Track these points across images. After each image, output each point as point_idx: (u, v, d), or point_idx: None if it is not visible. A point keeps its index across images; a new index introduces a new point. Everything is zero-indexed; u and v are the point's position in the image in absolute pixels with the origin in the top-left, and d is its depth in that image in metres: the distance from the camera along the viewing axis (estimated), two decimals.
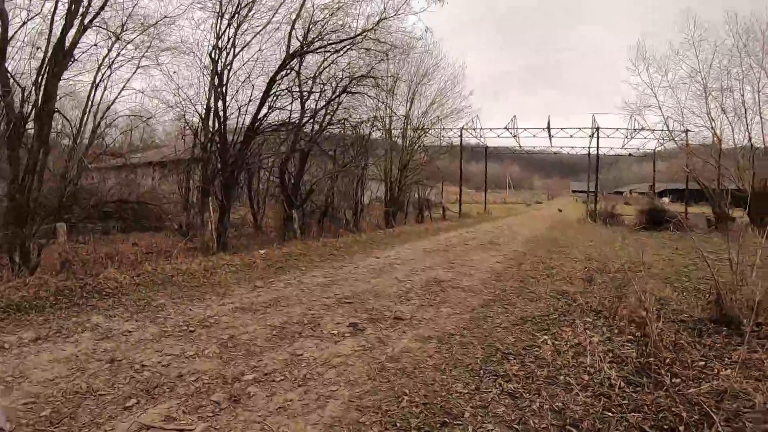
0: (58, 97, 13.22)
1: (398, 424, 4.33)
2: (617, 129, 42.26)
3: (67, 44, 12.90)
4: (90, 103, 17.73)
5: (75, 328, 7.04)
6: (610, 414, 4.37)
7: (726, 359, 5.49)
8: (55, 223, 11.42)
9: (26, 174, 11.70)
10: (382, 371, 5.54)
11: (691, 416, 4.16)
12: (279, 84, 18.21)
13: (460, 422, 4.36)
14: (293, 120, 19.33)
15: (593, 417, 4.33)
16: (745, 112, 25.72)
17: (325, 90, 19.82)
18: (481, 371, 5.52)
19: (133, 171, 24.12)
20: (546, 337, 6.67)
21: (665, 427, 4.07)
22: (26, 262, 11.32)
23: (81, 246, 14.47)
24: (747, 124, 25.61)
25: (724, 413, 4.11)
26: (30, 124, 12.46)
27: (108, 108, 20.21)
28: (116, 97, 18.76)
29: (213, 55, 17.62)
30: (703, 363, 5.40)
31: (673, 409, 4.30)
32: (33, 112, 12.32)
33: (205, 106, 18.25)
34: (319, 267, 12.42)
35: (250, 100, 17.98)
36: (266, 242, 17.65)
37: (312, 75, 19.48)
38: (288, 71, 18.45)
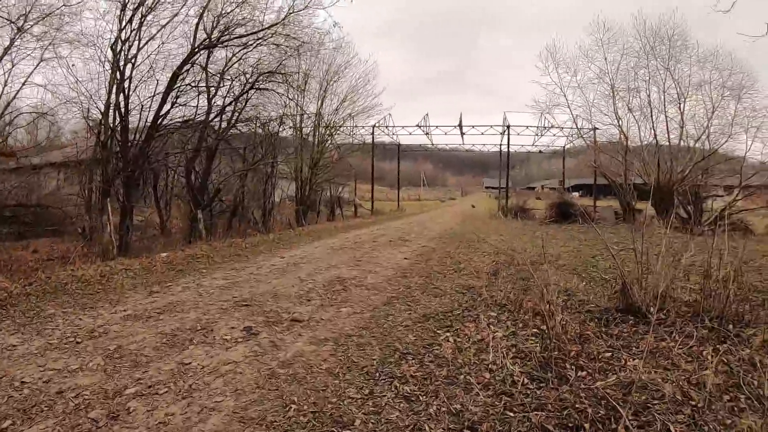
0: None
1: None
2: (527, 127, 43.33)
3: None
4: None
5: None
6: (511, 414, 4.26)
7: (633, 349, 5.54)
8: None
9: None
10: (271, 378, 5.38)
11: (597, 412, 4.07)
12: (183, 79, 17.70)
13: (349, 430, 4.23)
14: (199, 117, 18.84)
15: (493, 418, 4.21)
16: (651, 111, 27.12)
17: (233, 86, 19.46)
18: (377, 374, 5.40)
19: (34, 173, 22.88)
20: (448, 334, 6.60)
21: (570, 425, 3.97)
22: None
23: None
24: (653, 123, 26.96)
25: (631, 406, 4.08)
26: None
27: (8, 104, 19.23)
28: (17, 92, 17.86)
29: (115, 48, 16.90)
30: (609, 354, 5.41)
31: (577, 405, 4.21)
32: None
33: (104, 102, 17.55)
34: (221, 269, 12.10)
35: (153, 96, 17.38)
36: (171, 244, 17.09)
37: (220, 71, 19.06)
38: (193, 66, 17.97)
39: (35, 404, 4.97)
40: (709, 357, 5.03)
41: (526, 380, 4.90)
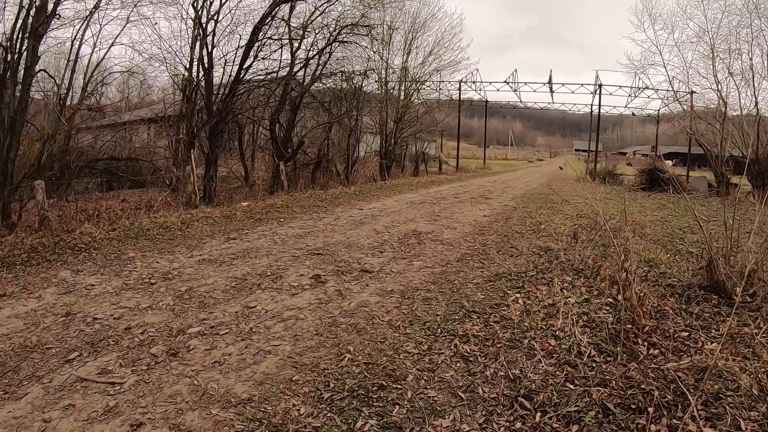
0: (43, 55, 12.97)
1: (332, 385, 4.10)
2: (620, 87, 41.48)
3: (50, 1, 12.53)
4: (77, 60, 17.46)
5: (41, 284, 6.92)
6: (571, 386, 3.92)
7: (713, 331, 4.98)
8: (34, 181, 11.19)
9: (4, 133, 11.49)
10: (331, 326, 5.32)
11: (664, 396, 3.64)
12: (265, 33, 17.69)
13: (399, 386, 4.08)
14: (283, 70, 18.89)
15: (552, 389, 3.89)
16: (753, 77, 24.64)
17: (316, 39, 19.37)
18: (439, 330, 5.22)
19: (125, 128, 23.75)
20: (518, 295, 6.25)
21: (632, 406, 3.60)
22: (6, 221, 11.19)
23: (66, 204, 14.29)
24: (755, 89, 24.65)
25: (702, 394, 3.63)
26: (16, 81, 12.17)
27: (97, 65, 19.95)
28: (105, 54, 18.42)
29: (196, 5, 17.08)
30: (686, 334, 4.86)
31: (644, 385, 3.79)
32: (16, 70, 12.03)
33: (188, 58, 17.90)
34: (299, 218, 12.19)
35: (236, 50, 17.52)
36: (253, 195, 17.44)
37: (302, 24, 18.97)
38: (274, 20, 17.90)
39: (103, 339, 5.13)
40: None
41: (593, 352, 4.51)
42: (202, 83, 16.91)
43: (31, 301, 6.25)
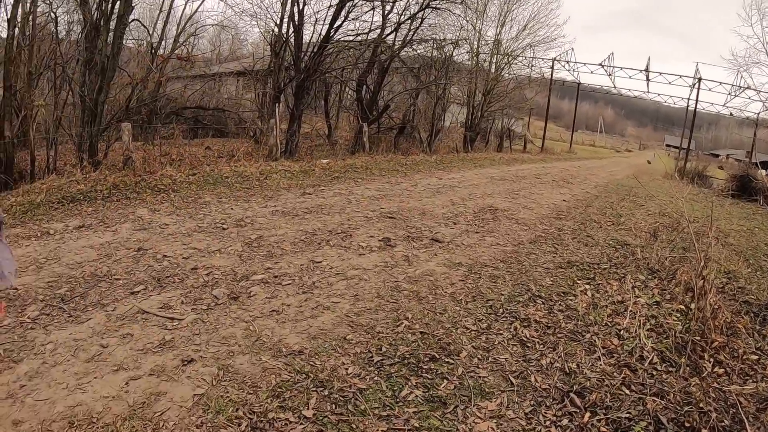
0: (138, 5, 13.29)
1: (383, 349, 4.06)
2: (720, 83, 39.20)
3: None
4: (171, 11, 17.79)
5: (118, 219, 7.20)
6: (627, 391, 3.73)
7: None
8: (121, 123, 11.62)
9: (96, 77, 11.88)
10: (394, 291, 5.26)
11: (721, 420, 3.38)
12: None
13: (451, 361, 3.99)
14: (373, 33, 18.72)
15: (606, 390, 3.72)
16: None
17: (409, 4, 19.04)
18: (501, 310, 5.07)
19: (215, 80, 24.27)
20: (587, 286, 5.98)
21: (686, 424, 3.37)
22: (92, 158, 11.62)
23: (151, 148, 14.74)
24: None
25: (762, 426, 3.38)
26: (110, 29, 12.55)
27: (190, 17, 20.34)
28: (198, 6, 18.74)
29: None
30: (756, 357, 4.44)
31: (702, 404, 3.54)
32: (110, 17, 12.37)
33: (279, 14, 17.93)
34: (377, 181, 12.17)
35: (327, 9, 17.46)
36: (334, 154, 17.53)
37: None
38: None
39: (169, 276, 5.28)
40: None
41: (655, 359, 4.25)
42: (292, 40, 16.94)
43: (107, 234, 6.48)
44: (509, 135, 34.64)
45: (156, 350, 3.85)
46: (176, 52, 20.09)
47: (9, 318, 4.22)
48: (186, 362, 3.70)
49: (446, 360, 3.99)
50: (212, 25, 22.36)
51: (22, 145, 11.51)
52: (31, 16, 12.46)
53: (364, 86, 20.17)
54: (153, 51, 18.29)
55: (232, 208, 8.08)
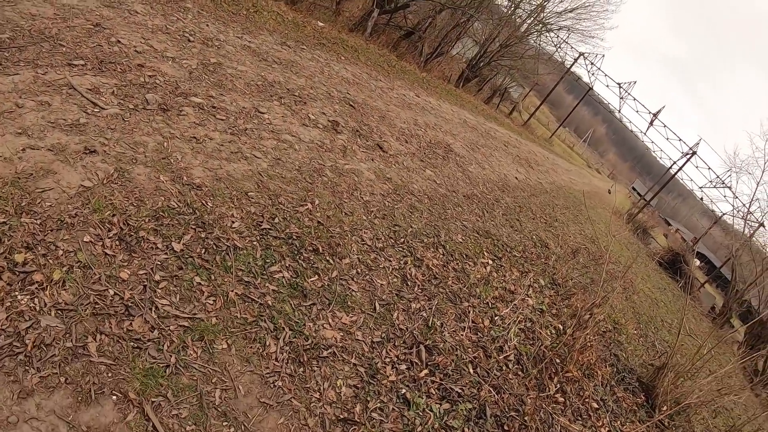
0: None
1: (276, 220, 4.03)
2: (709, 168, 40.06)
3: None
4: None
5: None
6: (471, 370, 3.98)
7: (619, 422, 4.72)
8: None
9: None
10: (315, 173, 5.12)
11: None
12: None
13: (331, 261, 4.05)
14: None
15: (454, 359, 3.94)
16: None
17: None
18: (402, 240, 5.13)
19: None
20: (491, 261, 6.07)
21: (505, 427, 3.57)
22: None
23: None
24: None
25: None
26: None
27: None
28: None
29: None
30: (596, 406, 4.62)
31: (527, 418, 3.71)
32: None
33: None
34: (358, 67, 11.76)
35: None
36: (334, 20, 16.84)
37: None
38: None
39: (113, 62, 5.06)
40: None
41: (512, 356, 4.43)
42: None
43: None
44: (503, 94, 34.33)
45: (66, 129, 3.69)
46: None
47: None
48: (88, 151, 3.57)
49: (327, 258, 3.99)
50: None
51: None
52: None
53: None
54: None
55: (207, 24, 7.64)
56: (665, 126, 43.12)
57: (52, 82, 4.14)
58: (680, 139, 42.22)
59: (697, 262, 53.79)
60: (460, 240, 6.09)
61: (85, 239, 2.93)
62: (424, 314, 4.12)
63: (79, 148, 3.54)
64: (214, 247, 3.39)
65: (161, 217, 3.35)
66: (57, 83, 4.16)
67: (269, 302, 3.27)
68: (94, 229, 3.01)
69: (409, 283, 4.43)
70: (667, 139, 43.96)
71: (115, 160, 3.61)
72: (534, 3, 27.67)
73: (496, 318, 4.84)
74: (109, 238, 3.01)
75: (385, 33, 19.91)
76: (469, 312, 4.60)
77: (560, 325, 5.57)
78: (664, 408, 5.25)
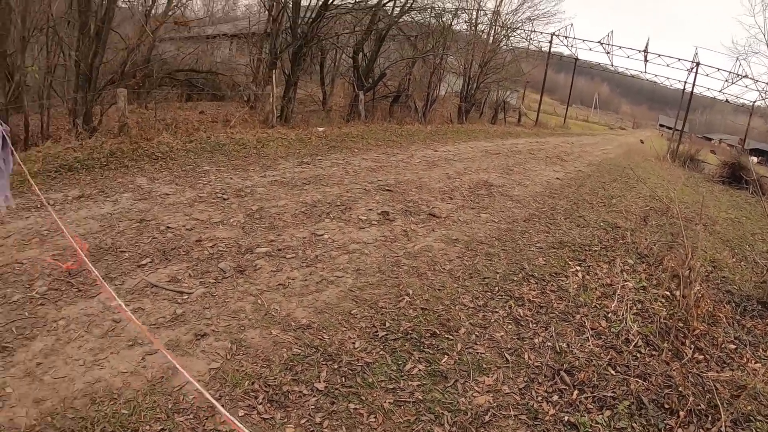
0: None
1: (387, 324, 4.22)
2: (718, 69, 38.92)
3: None
4: None
5: (117, 188, 7.21)
6: (612, 372, 3.93)
7: (761, 350, 4.74)
8: (116, 88, 11.60)
9: (91, 41, 11.82)
10: (394, 266, 5.41)
11: (698, 404, 3.60)
12: None
13: (450, 337, 4.17)
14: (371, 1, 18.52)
15: (593, 370, 3.91)
16: None
17: None
18: (496, 288, 5.25)
19: (207, 42, 23.98)
20: (578, 268, 6.16)
21: (666, 405, 3.59)
22: (87, 125, 11.60)
23: (148, 112, 14.67)
24: None
25: (734, 412, 3.56)
26: None
27: None
28: None
29: None
30: (733, 347, 4.66)
31: (681, 388, 3.75)
32: None
33: None
34: (373, 151, 12.24)
35: None
36: (328, 121, 17.48)
37: None
38: None
39: (174, 248, 5.38)
40: None
41: (640, 342, 4.45)
42: (290, 4, 16.79)
43: (107, 205, 6.52)
44: (504, 107, 34.55)
45: (169, 324, 3.97)
46: (171, 14, 19.85)
47: (17, 294, 4.30)
48: (199, 336, 3.82)
49: (446, 336, 4.15)
50: None
51: (15, 111, 11.44)
52: None
53: (361, 53, 20.05)
54: (147, 13, 18.05)
55: (231, 178, 8.15)
56: (659, 55, 42.68)
57: (134, 289, 4.46)
58: (679, 59, 41.70)
59: (755, 159, 51.76)
60: (543, 262, 6.22)
61: (240, 414, 3.14)
62: (549, 343, 4.24)
63: (190, 337, 3.81)
64: (350, 372, 3.59)
65: (293, 366, 3.57)
66: (138, 287, 4.48)
67: (419, 397, 3.44)
68: (243, 401, 3.23)
69: (522, 323, 4.57)
70: (668, 65, 43.32)
71: (226, 334, 3.87)
72: (488, 13, 28.27)
73: (609, 315, 4.93)
74: (259, 404, 3.22)
75: (377, 108, 20.47)
76: (585, 322, 4.71)
77: (667, 292, 5.63)
78: None
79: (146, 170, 8.19)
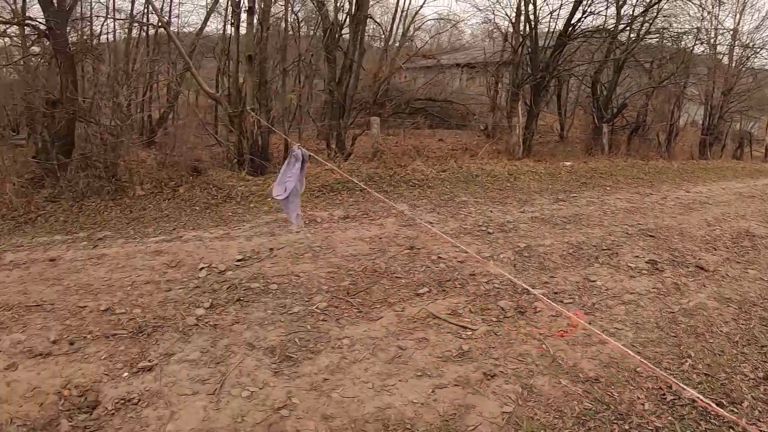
0: (369, 4, 14.37)
1: (673, 387, 4.07)
2: None
3: None
4: (399, 8, 18.64)
5: (380, 212, 7.82)
6: None
7: None
8: (368, 116, 12.66)
9: (342, 73, 13.04)
10: (672, 323, 5.28)
11: None
12: None
13: (735, 410, 3.94)
14: (608, 27, 18.05)
15: None
16: None
17: None
18: None
19: (441, 71, 24.84)
20: None
21: None
22: (341, 149, 12.70)
23: (390, 138, 15.66)
24: None
25: None
26: (345, 30, 14.03)
27: (416, 12, 21.14)
28: (424, 2, 19.37)
29: None
30: None
31: None
32: (347, 18, 13.56)
33: (515, 9, 17.91)
34: (624, 190, 12.00)
35: (562, 4, 17.20)
36: (571, 153, 17.36)
37: None
38: None
39: (449, 279, 5.73)
40: None
41: None
42: (529, 35, 16.90)
43: (374, 228, 7.07)
44: (750, 140, 31.67)
45: (456, 359, 4.18)
46: (405, 44, 20.98)
47: (297, 306, 4.81)
48: (489, 377, 3.98)
49: (730, 408, 3.98)
50: (436, 19, 23.04)
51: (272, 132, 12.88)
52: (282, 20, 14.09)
53: (599, 83, 19.63)
54: (386, 46, 19.22)
55: (490, 210, 8.46)
56: None
57: (416, 317, 4.78)
58: None
59: None
60: None
61: None
62: None
63: (478, 375, 3.97)
64: None
65: (585, 421, 3.62)
66: (420, 316, 4.80)
67: None
68: None
69: None
70: None
71: (515, 377, 4.00)
72: (727, 34, 26.03)
73: None
74: None
75: (617, 141, 19.94)
76: None
77: None
78: None
79: (405, 197, 8.77)
